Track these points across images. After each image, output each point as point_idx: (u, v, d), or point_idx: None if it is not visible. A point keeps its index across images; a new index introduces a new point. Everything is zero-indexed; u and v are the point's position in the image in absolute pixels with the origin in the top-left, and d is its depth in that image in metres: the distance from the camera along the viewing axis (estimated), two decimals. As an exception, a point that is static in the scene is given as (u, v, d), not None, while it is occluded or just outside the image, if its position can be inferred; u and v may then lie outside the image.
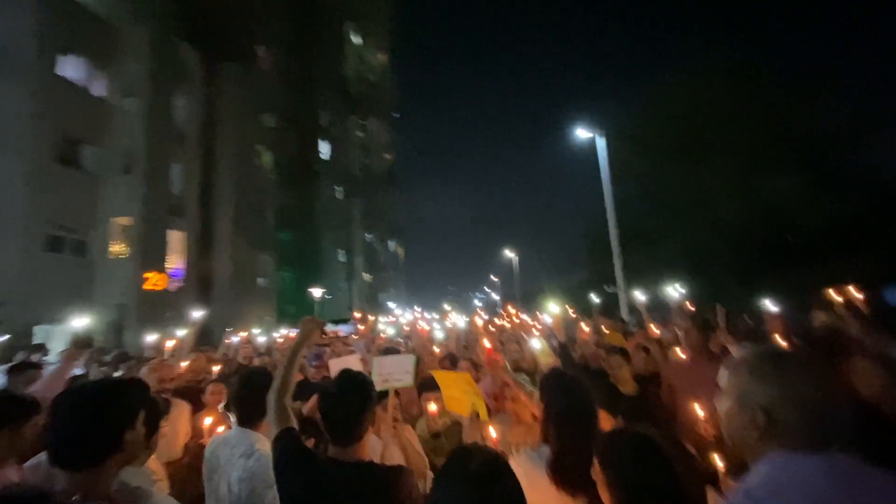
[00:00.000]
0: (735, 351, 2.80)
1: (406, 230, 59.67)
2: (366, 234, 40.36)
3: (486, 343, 2.64)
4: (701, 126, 16.14)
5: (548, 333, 3.95)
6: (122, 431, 1.26)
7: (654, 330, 5.05)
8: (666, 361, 4.22)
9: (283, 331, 10.16)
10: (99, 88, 15.19)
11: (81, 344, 2.88)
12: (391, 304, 43.70)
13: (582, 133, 11.99)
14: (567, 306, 7.54)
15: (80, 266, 14.15)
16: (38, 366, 3.20)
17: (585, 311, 9.09)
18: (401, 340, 5.51)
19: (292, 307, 26.25)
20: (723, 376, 1.13)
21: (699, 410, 2.52)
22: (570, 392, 1.73)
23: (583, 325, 4.42)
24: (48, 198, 13.02)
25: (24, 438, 1.96)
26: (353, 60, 39.99)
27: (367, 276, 40.15)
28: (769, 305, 5.54)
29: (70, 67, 14.20)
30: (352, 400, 1.61)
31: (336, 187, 33.87)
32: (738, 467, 1.94)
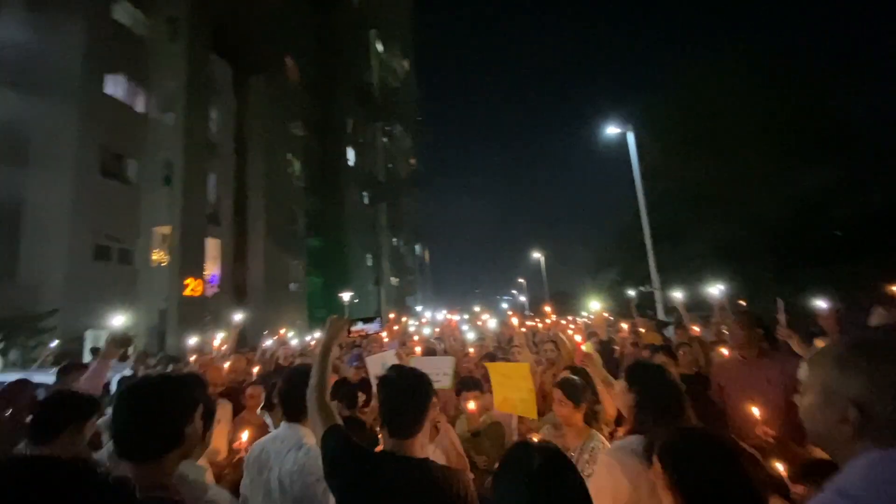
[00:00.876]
0: (798, 347, 2.67)
1: (431, 233, 60.05)
2: (392, 239, 40.75)
3: (577, 337, 2.62)
4: (732, 118, 15.56)
5: (587, 332, 3.87)
6: (183, 426, 1.29)
7: (696, 328, 4.87)
8: (709, 360, 4.07)
9: (317, 334, 10.38)
10: (140, 104, 15.96)
11: (119, 342, 2.98)
12: (418, 307, 43.94)
13: (611, 130, 11.75)
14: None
15: (125, 273, 14.87)
16: (85, 366, 3.35)
17: (618, 311, 8.88)
18: (434, 341, 5.51)
19: (322, 311, 26.73)
20: (803, 370, 1.06)
21: (755, 411, 2.41)
22: (660, 380, 1.73)
23: (622, 324, 4.29)
24: (95, 209, 13.73)
25: (84, 436, 2.04)
26: (376, 67, 40.57)
27: (393, 280, 40.49)
28: (820, 302, 5.26)
29: (114, 85, 14.99)
30: (414, 391, 1.60)
31: (362, 193, 34.36)
32: (800, 471, 1.85)
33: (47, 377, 5.03)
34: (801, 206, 13.95)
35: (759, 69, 15.40)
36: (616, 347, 4.30)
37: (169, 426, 1.27)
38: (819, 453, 2.14)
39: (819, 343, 3.08)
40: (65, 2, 13.89)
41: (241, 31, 19.47)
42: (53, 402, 2.02)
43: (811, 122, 14.21)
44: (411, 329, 8.23)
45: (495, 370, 3.01)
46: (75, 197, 13.13)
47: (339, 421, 1.67)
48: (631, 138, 11.56)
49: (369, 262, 34.64)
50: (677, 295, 6.33)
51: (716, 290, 5.87)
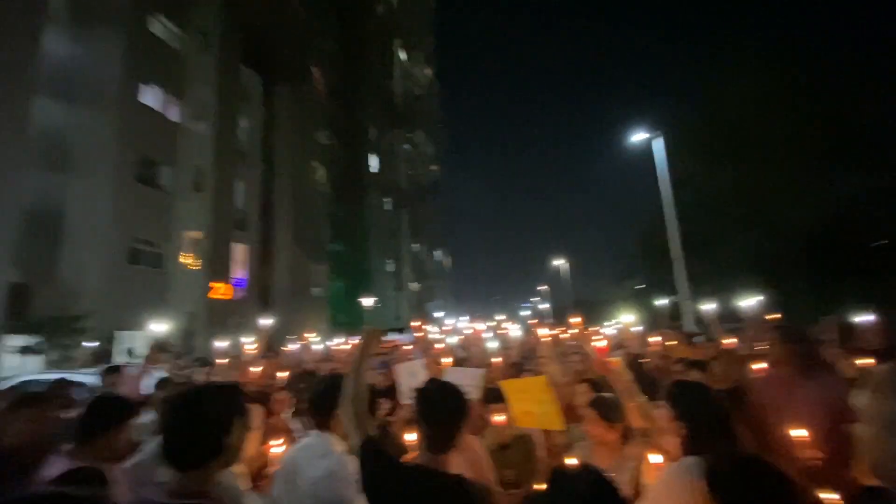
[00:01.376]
0: (847, 369, 2.52)
1: (452, 239, 60.18)
2: (413, 244, 40.98)
3: (601, 342, 2.53)
4: (764, 124, 15.10)
5: (616, 345, 3.76)
6: (223, 436, 1.31)
7: (728, 340, 4.68)
8: (743, 375, 3.90)
9: (338, 339, 10.48)
10: (173, 114, 16.58)
11: (160, 349, 3.10)
12: (438, 314, 43.93)
13: (638, 137, 11.53)
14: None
15: (156, 276, 15.36)
16: (118, 368, 3.49)
17: (648, 322, 8.65)
18: (458, 349, 5.48)
19: (343, 315, 27.05)
20: (859, 397, 1.00)
21: (801, 433, 2.28)
22: (705, 400, 1.67)
23: (653, 336, 4.15)
24: (129, 214, 14.27)
25: (125, 437, 2.11)
26: (399, 75, 41.10)
27: (414, 286, 40.66)
28: (864, 315, 4.99)
29: (149, 95, 15.62)
30: (453, 408, 1.59)
31: (384, 199, 34.73)
32: (853, 500, 1.74)
33: (86, 377, 5.24)
34: (837, 214, 13.39)
35: (791, 75, 14.94)
36: (645, 360, 4.17)
37: (212, 436, 1.30)
38: (866, 478, 2.02)
39: (863, 363, 2.90)
40: (105, 16, 14.58)
41: (269, 42, 20.05)
42: (97, 405, 2.11)
43: (847, 128, 13.66)
44: (433, 337, 8.22)
45: (510, 387, 2.93)
46: (112, 202, 13.66)
47: (373, 432, 1.68)
48: (659, 144, 11.32)
49: (390, 268, 34.89)
50: (709, 307, 6.12)
51: (749, 302, 5.66)
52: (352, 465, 1.88)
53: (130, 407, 2.16)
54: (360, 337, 2.05)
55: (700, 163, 16.56)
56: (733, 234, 15.66)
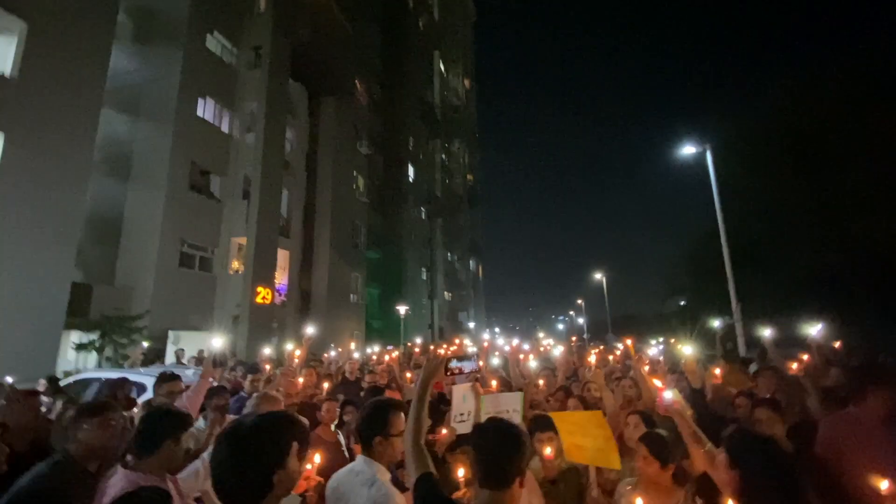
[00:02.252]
0: None
1: (486, 250, 59.84)
2: (447, 253, 41.05)
3: (658, 383, 2.37)
4: (826, 131, 14.11)
5: (673, 377, 3.53)
6: (273, 473, 1.27)
7: (794, 366, 4.32)
8: (805, 408, 3.57)
9: (376, 347, 10.58)
10: (225, 125, 17.45)
11: (218, 363, 3.16)
12: (470, 323, 43.66)
13: (688, 150, 11.05)
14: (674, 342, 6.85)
15: (205, 280, 16.09)
16: (177, 377, 3.59)
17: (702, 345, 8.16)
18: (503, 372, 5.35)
19: (378, 322, 27.38)
20: None
21: (883, 483, 2.05)
22: (772, 460, 1.50)
23: (716, 370, 3.84)
24: (182, 220, 15.05)
25: (182, 449, 2.16)
26: (438, 87, 41.63)
27: (447, 295, 40.62)
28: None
29: (204, 108, 16.52)
30: (509, 439, 1.55)
31: (420, 208, 35.06)
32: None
33: (141, 377, 5.49)
34: None
35: (856, 79, 13.95)
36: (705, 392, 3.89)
37: (260, 475, 1.26)
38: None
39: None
40: (166, 35, 15.60)
41: (315, 57, 20.80)
42: (153, 418, 2.17)
43: None
44: (470, 351, 8.12)
45: (562, 420, 2.78)
46: (166, 208, 14.46)
47: (432, 468, 1.66)
48: (709, 156, 10.81)
49: (424, 276, 35.07)
50: (766, 331, 5.71)
51: (814, 328, 5.23)
52: (395, 498, 1.88)
53: (184, 420, 2.19)
54: (423, 365, 2.03)
55: (754, 176, 15.67)
56: (791, 251, 14.64)
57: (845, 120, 13.82)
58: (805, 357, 4.25)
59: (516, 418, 2.78)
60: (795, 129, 14.82)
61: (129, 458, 2.10)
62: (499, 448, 1.53)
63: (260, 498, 1.25)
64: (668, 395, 2.30)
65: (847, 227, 13.46)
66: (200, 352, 11.50)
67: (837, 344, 6.71)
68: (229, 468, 1.26)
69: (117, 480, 1.93)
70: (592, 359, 3.81)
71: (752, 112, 16.74)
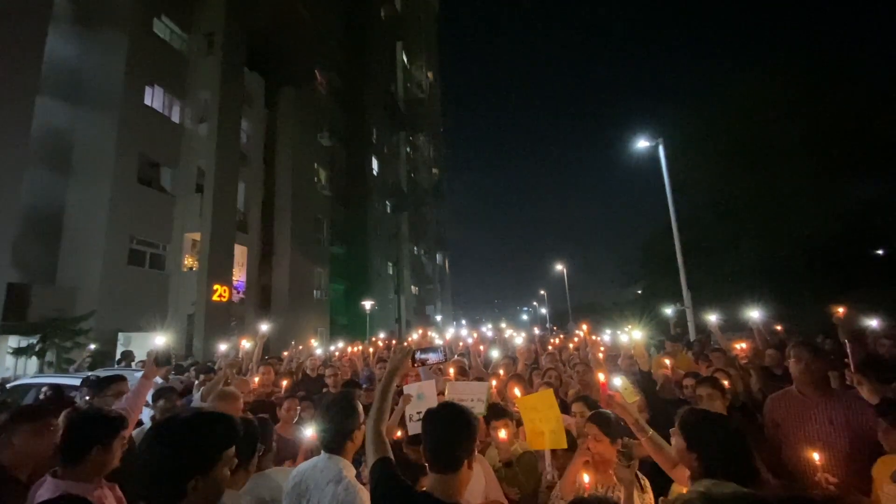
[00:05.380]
0: (870, 395, 2.47)
1: (452, 243, 60.10)
2: (413, 247, 40.91)
3: (601, 377, 2.44)
4: (770, 127, 14.97)
5: (625, 362, 3.68)
6: (188, 479, 1.20)
7: (738, 348, 4.61)
8: (748, 388, 3.84)
9: (340, 343, 10.43)
10: (176, 115, 16.56)
11: (161, 362, 3.02)
12: (437, 317, 43.80)
13: (642, 143, 11.48)
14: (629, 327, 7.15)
15: (157, 278, 15.31)
16: (122, 378, 3.40)
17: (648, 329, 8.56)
18: (460, 357, 5.40)
19: (343, 318, 26.99)
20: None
21: (816, 456, 2.23)
22: (724, 435, 1.56)
23: (666, 360, 4.02)
24: (130, 215, 14.22)
25: (113, 454, 2.02)
26: (401, 79, 41.16)
27: (413, 289, 40.55)
28: (872, 325, 4.91)
29: (153, 97, 15.61)
30: (457, 422, 1.58)
31: (385, 202, 34.71)
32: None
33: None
34: (846, 223, 13.25)
35: (800, 80, 14.85)
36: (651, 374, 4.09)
37: (174, 478, 1.20)
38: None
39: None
40: (109, 18, 14.59)
41: (273, 45, 20.07)
42: (78, 422, 2.02)
43: (857, 134, 13.54)
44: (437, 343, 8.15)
45: (525, 404, 2.85)
46: (112, 203, 13.63)
47: (390, 453, 1.67)
48: (661, 150, 11.28)
49: (390, 271, 34.85)
50: (711, 317, 6.07)
51: (755, 313, 5.60)
52: (361, 495, 1.84)
53: (114, 424, 2.03)
54: (390, 356, 2.02)
55: (704, 168, 16.48)
56: (739, 241, 15.54)
57: (788, 116, 14.73)
58: (743, 344, 4.55)
59: (479, 407, 2.82)
60: (743, 125, 15.66)
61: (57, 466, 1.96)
62: (446, 431, 1.56)
63: (176, 501, 1.18)
64: (617, 381, 2.41)
65: (788, 217, 14.42)
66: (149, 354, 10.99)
67: (779, 328, 7.24)
68: (145, 466, 1.21)
69: (45, 491, 1.82)
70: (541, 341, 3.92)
71: (702, 107, 17.45)
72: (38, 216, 13.09)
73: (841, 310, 3.96)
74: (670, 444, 1.88)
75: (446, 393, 2.77)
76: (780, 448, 2.63)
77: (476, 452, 2.05)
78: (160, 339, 3.09)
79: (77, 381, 5.03)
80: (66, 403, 4.00)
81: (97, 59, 14.43)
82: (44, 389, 4.36)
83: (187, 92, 16.92)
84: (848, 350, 3.16)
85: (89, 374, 6.62)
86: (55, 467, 1.91)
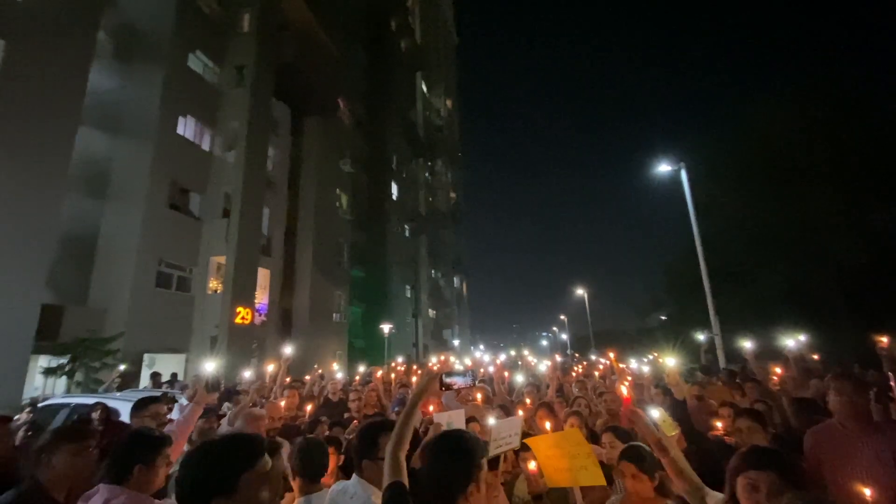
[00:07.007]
0: None
1: (470, 267, 59.97)
2: (431, 271, 41.01)
3: (624, 390, 2.35)
4: (801, 151, 14.66)
5: (658, 395, 3.55)
6: (208, 501, 1.23)
7: (776, 374, 4.41)
8: (786, 418, 3.65)
9: (361, 368, 10.40)
10: (206, 143, 17.30)
11: (212, 388, 3.07)
12: (455, 341, 43.38)
13: (663, 168, 11.39)
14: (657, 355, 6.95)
15: (183, 300, 15.67)
16: (157, 399, 3.46)
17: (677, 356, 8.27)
18: (482, 384, 5.31)
19: (360, 341, 26.97)
20: None
21: (867, 493, 2.10)
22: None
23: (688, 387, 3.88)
24: (160, 239, 14.71)
25: (156, 474, 2.07)
26: (421, 107, 42.26)
27: (431, 312, 40.41)
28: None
29: (185, 126, 16.38)
30: (452, 458, 1.51)
31: (404, 225, 35.11)
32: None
33: (117, 402, 5.27)
34: (881, 248, 12.76)
35: (831, 99, 14.60)
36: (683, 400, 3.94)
37: (195, 501, 1.24)
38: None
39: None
40: (148, 53, 15.53)
41: (299, 76, 20.94)
42: (122, 442, 2.08)
43: (888, 159, 13.18)
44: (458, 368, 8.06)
45: (538, 445, 2.66)
46: (144, 227, 14.13)
47: (405, 478, 1.63)
48: (684, 174, 11.16)
49: (408, 294, 34.89)
50: (747, 343, 5.85)
51: (791, 341, 5.39)
52: None
53: (157, 444, 2.09)
54: (419, 380, 2.01)
55: (729, 193, 16.18)
56: (767, 267, 15.04)
57: (818, 140, 14.46)
58: (778, 370, 4.37)
59: (516, 441, 2.75)
60: (770, 149, 15.41)
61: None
62: (439, 466, 1.51)
63: None
64: (655, 413, 2.31)
65: (820, 242, 13.96)
66: (174, 375, 11.11)
67: (816, 356, 6.91)
68: (178, 488, 1.25)
69: (99, 498, 1.86)
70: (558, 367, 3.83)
71: (726, 131, 17.28)
72: (73, 239, 13.66)
73: (885, 339, 3.78)
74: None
75: (491, 437, 2.68)
76: (824, 486, 2.48)
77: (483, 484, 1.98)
78: (210, 365, 3.14)
79: (109, 402, 5.13)
80: (115, 425, 4.07)
81: (135, 91, 15.28)
82: (94, 415, 4.42)
83: (217, 121, 17.69)
84: (893, 383, 3.00)
85: (117, 394, 6.74)
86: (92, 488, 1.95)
